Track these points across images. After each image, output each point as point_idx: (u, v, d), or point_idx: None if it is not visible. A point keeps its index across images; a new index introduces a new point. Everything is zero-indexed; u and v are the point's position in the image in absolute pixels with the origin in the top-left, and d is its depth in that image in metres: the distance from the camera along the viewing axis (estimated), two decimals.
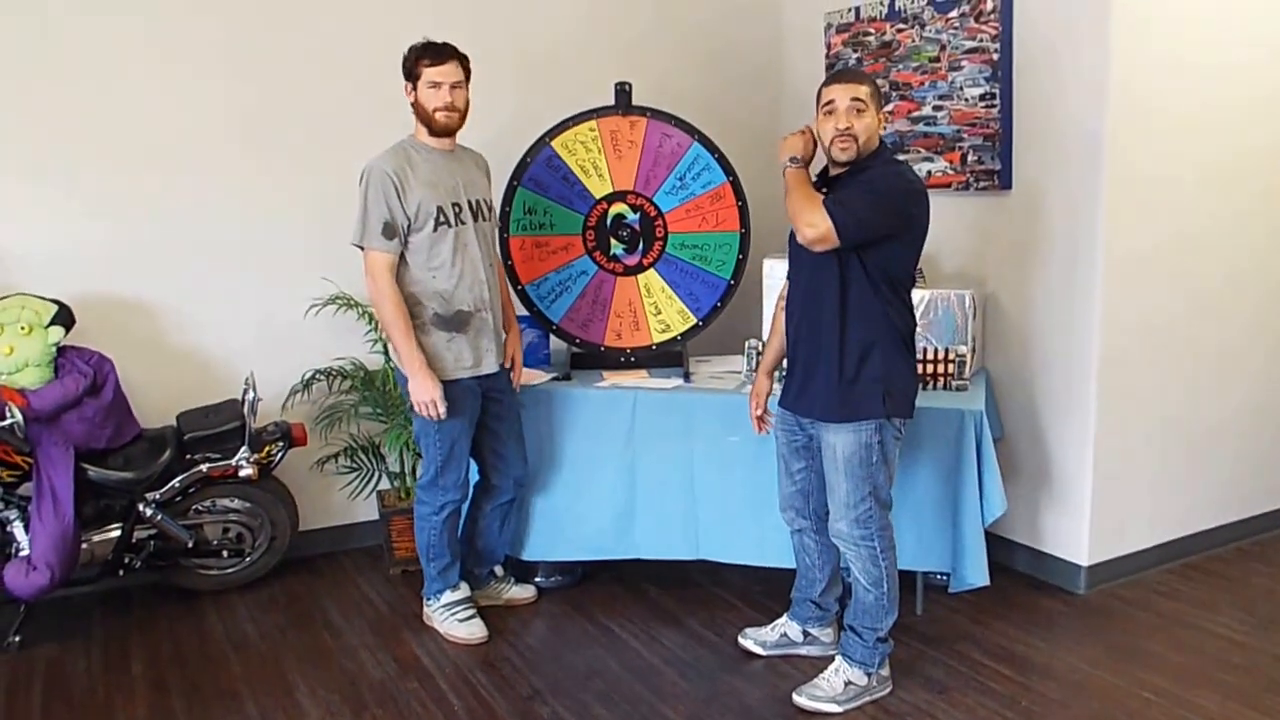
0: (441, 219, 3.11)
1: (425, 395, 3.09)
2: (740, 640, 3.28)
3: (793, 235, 2.85)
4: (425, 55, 3.11)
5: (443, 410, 3.11)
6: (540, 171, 3.71)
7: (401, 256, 3.11)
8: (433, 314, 3.15)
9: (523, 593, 3.65)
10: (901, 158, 3.92)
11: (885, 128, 2.76)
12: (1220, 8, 3.57)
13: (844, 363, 2.77)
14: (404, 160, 3.11)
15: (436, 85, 3.10)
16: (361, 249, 3.11)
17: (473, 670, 3.16)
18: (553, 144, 3.70)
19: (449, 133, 3.18)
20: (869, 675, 2.94)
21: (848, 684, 2.92)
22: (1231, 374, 3.91)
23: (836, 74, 2.87)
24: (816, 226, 2.65)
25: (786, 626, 3.24)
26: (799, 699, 2.92)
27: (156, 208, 3.68)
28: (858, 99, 2.70)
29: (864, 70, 2.78)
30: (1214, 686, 2.99)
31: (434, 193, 3.11)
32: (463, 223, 3.16)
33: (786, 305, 2.98)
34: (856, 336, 2.77)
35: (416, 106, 3.15)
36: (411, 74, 3.13)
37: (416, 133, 3.20)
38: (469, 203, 3.19)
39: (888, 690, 2.98)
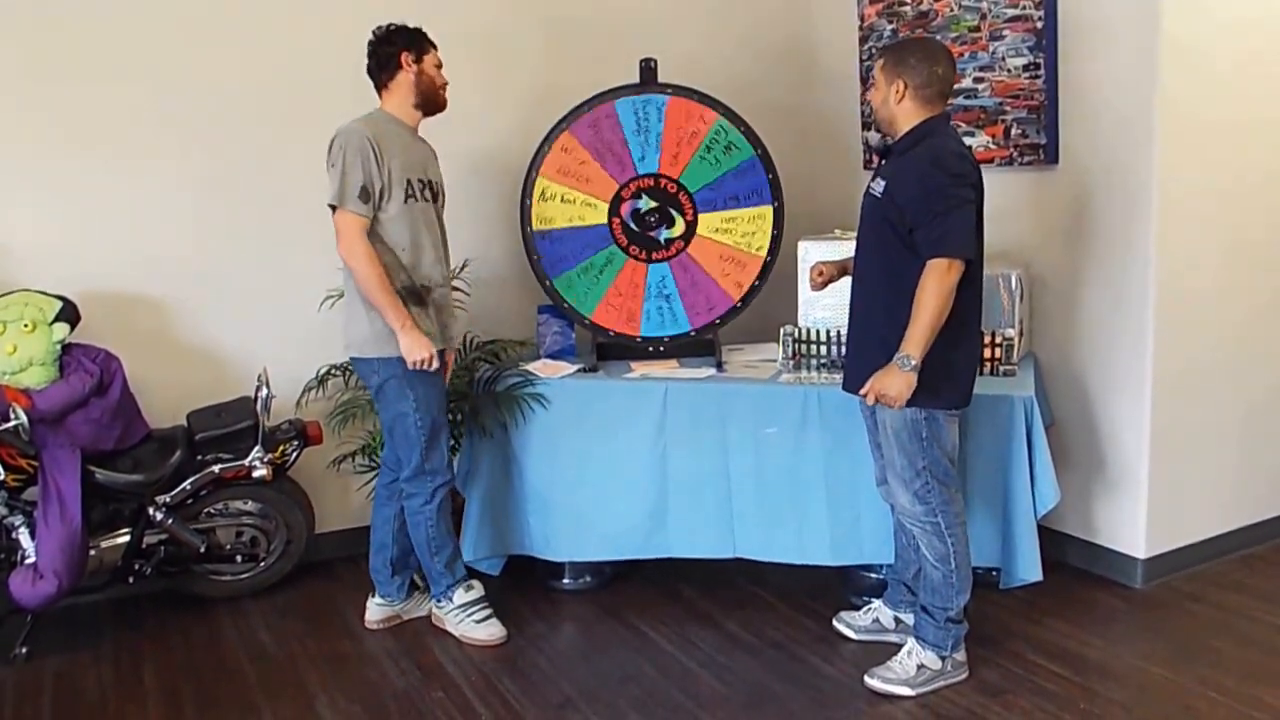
0: (410, 192, 3.12)
1: (422, 351, 3.06)
2: (834, 622, 3.25)
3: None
4: (427, 37, 3.18)
5: (436, 363, 3.10)
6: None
7: (372, 227, 3.09)
8: (402, 285, 3.12)
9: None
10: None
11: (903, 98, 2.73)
12: None
13: (888, 345, 2.70)
14: (378, 129, 3.09)
15: (440, 65, 3.19)
16: (333, 209, 3.06)
17: (500, 677, 3.06)
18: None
19: (440, 110, 3.22)
20: (943, 659, 2.90)
21: (920, 667, 2.89)
22: None
23: None
24: (951, 272, 2.61)
25: (879, 611, 3.21)
26: (871, 681, 2.90)
27: (162, 199, 3.60)
28: (872, 74, 2.83)
29: (899, 41, 2.83)
30: None
31: (405, 165, 3.11)
32: (426, 199, 3.18)
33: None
34: (902, 319, 2.68)
35: (421, 80, 3.15)
36: (420, 48, 3.16)
37: (391, 108, 3.18)
38: (430, 182, 3.21)
39: (963, 676, 2.93)
